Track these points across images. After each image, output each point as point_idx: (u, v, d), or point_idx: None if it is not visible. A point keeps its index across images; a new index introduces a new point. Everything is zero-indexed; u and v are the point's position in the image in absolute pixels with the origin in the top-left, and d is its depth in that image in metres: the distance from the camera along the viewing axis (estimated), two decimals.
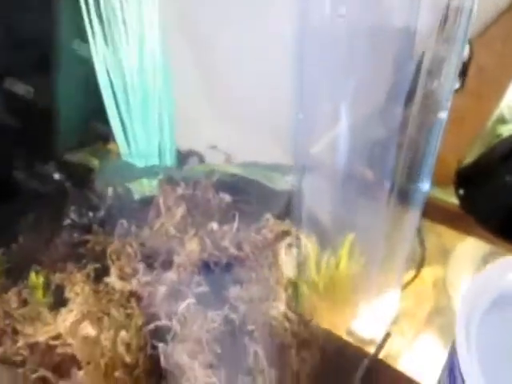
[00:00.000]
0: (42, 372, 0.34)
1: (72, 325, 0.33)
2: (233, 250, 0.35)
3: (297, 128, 0.43)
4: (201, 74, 0.48)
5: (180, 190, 0.39)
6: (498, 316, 0.27)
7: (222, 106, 0.47)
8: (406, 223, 0.53)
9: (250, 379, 0.27)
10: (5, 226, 0.50)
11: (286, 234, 0.36)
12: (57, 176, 0.55)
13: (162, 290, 0.33)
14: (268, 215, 0.37)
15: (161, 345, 0.31)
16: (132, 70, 0.45)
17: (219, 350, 0.29)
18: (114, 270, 0.33)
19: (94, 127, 0.55)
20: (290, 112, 0.43)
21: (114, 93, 0.46)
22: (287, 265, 0.33)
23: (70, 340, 0.33)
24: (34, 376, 0.34)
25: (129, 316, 0.35)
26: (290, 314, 0.29)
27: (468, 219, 0.86)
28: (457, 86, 0.88)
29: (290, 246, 0.34)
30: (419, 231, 0.92)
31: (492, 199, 0.82)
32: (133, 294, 0.36)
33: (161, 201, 0.38)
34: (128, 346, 0.33)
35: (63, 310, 0.35)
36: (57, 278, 0.38)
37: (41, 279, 0.38)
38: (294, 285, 0.32)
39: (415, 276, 0.80)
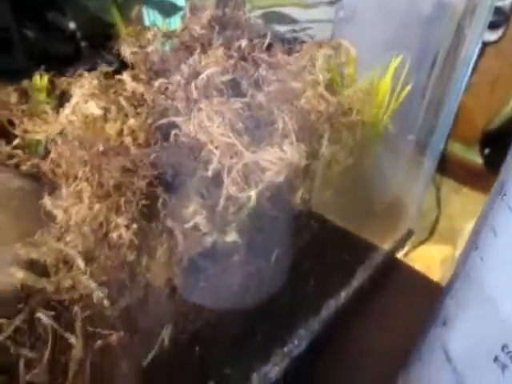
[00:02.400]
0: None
1: (75, 105, 0.29)
2: (263, 56, 0.31)
3: None
4: None
5: (207, 9, 0.35)
6: None
7: None
8: (421, 173, 0.51)
9: (275, 145, 0.23)
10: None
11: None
12: (72, 26, 0.51)
13: (179, 80, 0.29)
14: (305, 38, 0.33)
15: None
16: None
17: (240, 124, 0.25)
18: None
19: None
20: None
21: None
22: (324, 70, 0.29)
23: (71, 129, 0.30)
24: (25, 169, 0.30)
25: (139, 114, 0.31)
26: (329, 96, 0.25)
27: (491, 179, 0.82)
28: (495, 36, 0.83)
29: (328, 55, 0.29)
30: (437, 190, 0.88)
31: None
32: (145, 98, 0.32)
33: (187, 11, 0.34)
34: (135, 138, 0.29)
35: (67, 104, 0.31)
36: (63, 81, 0.34)
37: (45, 81, 0.34)
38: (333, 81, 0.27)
39: (430, 234, 0.76)
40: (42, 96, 0.34)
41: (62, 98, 0.34)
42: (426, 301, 0.34)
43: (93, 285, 0.20)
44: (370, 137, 0.30)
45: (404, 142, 0.48)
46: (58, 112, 0.32)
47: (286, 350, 0.34)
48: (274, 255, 0.25)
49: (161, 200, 0.23)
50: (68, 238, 0.21)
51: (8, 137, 0.33)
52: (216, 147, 0.23)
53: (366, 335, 0.40)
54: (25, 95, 0.34)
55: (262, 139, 0.25)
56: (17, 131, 0.32)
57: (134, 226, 0.22)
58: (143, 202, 0.23)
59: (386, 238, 0.47)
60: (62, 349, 0.22)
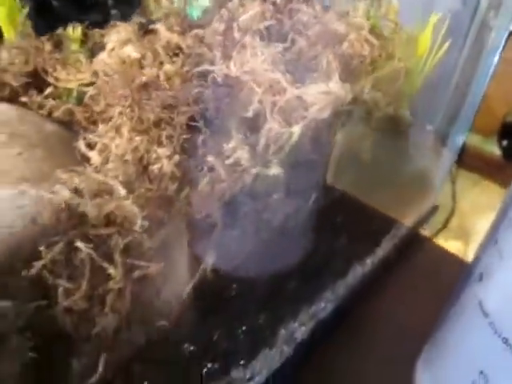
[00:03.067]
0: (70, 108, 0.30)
1: (111, 50, 0.29)
2: (301, 6, 0.30)
3: None
4: None
5: None
6: None
7: None
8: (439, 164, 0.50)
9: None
10: None
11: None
12: None
13: (217, 27, 0.29)
14: None
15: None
16: None
17: (282, 67, 0.25)
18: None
19: None
20: None
21: None
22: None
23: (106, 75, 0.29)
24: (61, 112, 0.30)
25: (175, 62, 0.30)
26: (373, 40, 0.25)
27: (509, 170, 0.82)
28: None
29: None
30: (453, 183, 0.87)
31: None
32: (180, 47, 0.31)
33: None
34: (172, 84, 0.29)
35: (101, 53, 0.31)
36: (96, 33, 0.34)
37: (78, 32, 0.34)
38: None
39: (444, 226, 0.75)
40: (76, 46, 0.34)
41: (95, 50, 0.34)
42: (450, 276, 0.33)
43: (136, 210, 0.20)
44: (407, 89, 0.29)
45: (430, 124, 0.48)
46: (91, 62, 0.32)
47: (312, 310, 0.34)
48: (311, 199, 0.25)
49: (202, 135, 0.23)
50: (109, 166, 0.21)
51: (40, 86, 0.33)
52: (259, 85, 0.23)
53: (389, 307, 0.40)
54: (58, 46, 0.34)
55: (304, 81, 0.24)
56: (50, 79, 0.32)
57: (176, 157, 0.22)
58: (184, 136, 0.23)
59: (411, 212, 0.47)
60: (99, 280, 0.22)
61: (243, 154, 0.22)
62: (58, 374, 0.18)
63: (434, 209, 0.49)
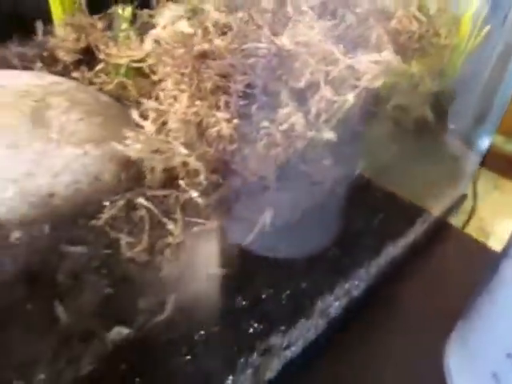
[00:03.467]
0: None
1: (166, 26, 0.30)
2: None
3: None
4: None
5: None
6: None
7: None
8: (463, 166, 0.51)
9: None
10: None
11: None
12: None
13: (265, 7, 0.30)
14: None
15: None
16: None
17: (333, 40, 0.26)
18: None
19: None
20: None
21: None
22: None
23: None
24: (114, 85, 0.32)
25: (225, 34, 0.32)
26: (421, 17, 0.26)
27: None
28: None
29: None
30: (474, 184, 0.87)
31: None
32: (229, 26, 0.33)
33: None
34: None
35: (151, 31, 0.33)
36: (144, 13, 0.36)
37: (129, 11, 0.35)
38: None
39: (464, 226, 0.75)
40: (126, 25, 0.35)
41: (143, 30, 0.35)
42: (479, 265, 0.34)
43: (200, 165, 0.21)
44: (449, 70, 0.30)
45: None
46: (141, 40, 0.34)
47: (347, 286, 0.34)
48: (357, 169, 0.26)
49: (257, 103, 0.24)
50: (170, 126, 0.22)
51: (90, 63, 0.35)
52: (312, 56, 0.24)
53: (418, 291, 0.40)
54: (109, 25, 0.36)
55: (355, 54, 0.25)
56: (101, 56, 0.33)
57: (235, 121, 0.23)
58: (241, 103, 0.24)
59: (440, 199, 0.47)
60: (159, 235, 0.23)
61: (298, 120, 0.23)
62: (128, 310, 0.19)
63: (463, 197, 0.50)
